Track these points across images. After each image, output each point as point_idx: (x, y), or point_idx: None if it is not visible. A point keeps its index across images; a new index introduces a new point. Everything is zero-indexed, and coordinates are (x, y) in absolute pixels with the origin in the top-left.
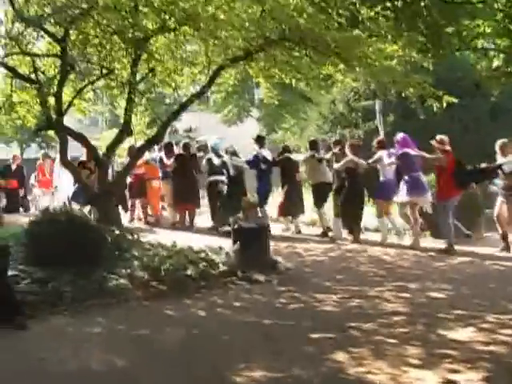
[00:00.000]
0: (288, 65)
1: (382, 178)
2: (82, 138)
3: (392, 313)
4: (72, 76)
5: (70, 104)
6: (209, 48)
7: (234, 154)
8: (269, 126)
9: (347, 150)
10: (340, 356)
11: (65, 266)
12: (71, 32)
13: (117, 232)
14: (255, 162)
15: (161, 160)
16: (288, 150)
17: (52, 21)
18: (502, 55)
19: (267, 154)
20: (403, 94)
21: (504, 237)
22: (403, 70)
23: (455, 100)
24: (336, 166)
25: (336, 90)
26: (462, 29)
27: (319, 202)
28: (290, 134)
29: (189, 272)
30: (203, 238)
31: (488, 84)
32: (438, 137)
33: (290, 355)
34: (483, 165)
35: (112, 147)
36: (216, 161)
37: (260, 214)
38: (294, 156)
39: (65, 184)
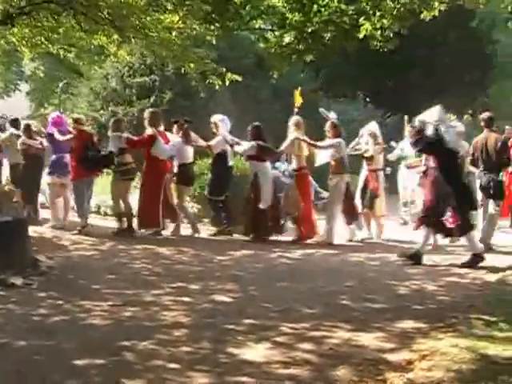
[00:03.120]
0: (55, 33)
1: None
2: None
3: (172, 325)
4: None
5: None
6: None
7: None
8: (38, 100)
9: None
10: None
11: None
12: None
13: None
14: None
15: None
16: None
17: None
18: (293, 32)
19: None
20: (183, 70)
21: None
22: (184, 43)
23: (239, 78)
24: None
25: (109, 64)
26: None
27: None
28: (63, 110)
29: None
30: None
31: (274, 62)
32: (75, 116)
33: None
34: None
35: None
36: None
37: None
38: None
39: None
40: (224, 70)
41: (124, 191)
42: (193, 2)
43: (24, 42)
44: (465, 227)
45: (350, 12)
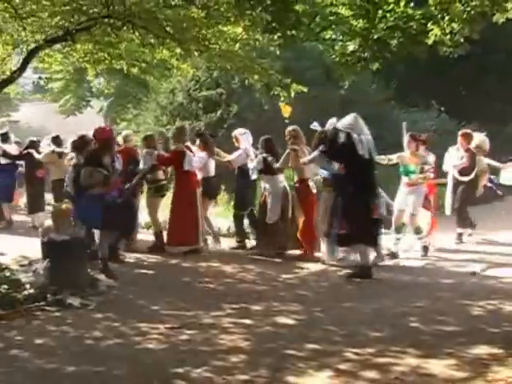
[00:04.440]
0: (116, 48)
1: None
2: None
3: (230, 350)
4: None
5: None
6: (24, 26)
7: None
8: (110, 117)
9: None
10: None
11: None
12: None
13: None
14: None
15: None
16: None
17: None
18: (357, 39)
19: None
20: (246, 82)
21: None
22: (248, 55)
23: (305, 89)
24: None
25: (175, 78)
26: (313, 11)
27: None
28: (135, 126)
29: None
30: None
31: (341, 71)
32: (124, 133)
33: None
34: None
35: None
36: None
37: (73, 224)
38: None
39: None
40: (289, 81)
41: (157, 207)
42: (253, 12)
43: (87, 58)
44: (354, 236)
45: (417, 17)
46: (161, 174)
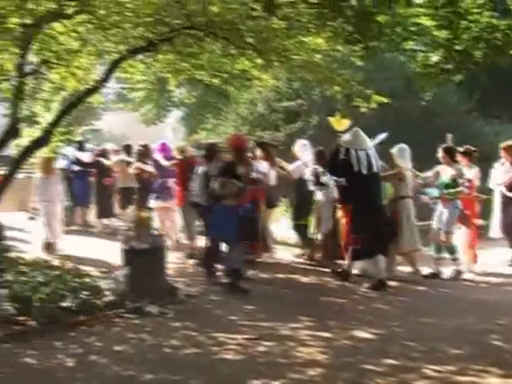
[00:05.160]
0: (197, 58)
1: None
2: None
3: (308, 363)
4: None
5: None
6: (108, 37)
7: None
8: (190, 126)
9: None
10: None
11: None
12: None
13: None
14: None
15: None
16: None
17: None
18: (440, 50)
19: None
20: (327, 93)
21: None
22: (329, 66)
23: (386, 100)
24: None
25: (256, 88)
26: (394, 21)
27: None
28: (215, 136)
29: (66, 303)
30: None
31: (422, 83)
32: (179, 145)
33: None
34: None
35: None
36: None
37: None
38: None
39: None
40: (370, 92)
41: None
42: (335, 23)
43: (169, 68)
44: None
45: (502, 27)
46: None
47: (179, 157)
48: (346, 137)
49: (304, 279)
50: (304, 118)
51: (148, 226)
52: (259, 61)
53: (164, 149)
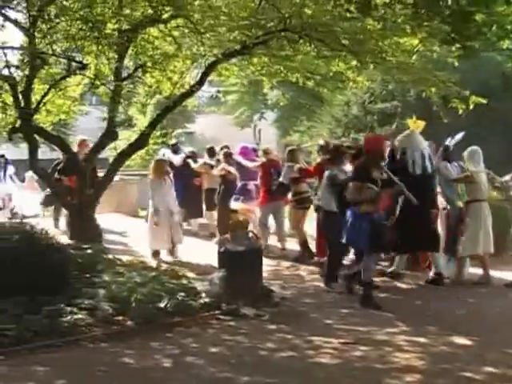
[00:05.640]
0: (292, 61)
1: None
2: (57, 140)
3: (404, 368)
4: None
5: (40, 103)
6: (203, 41)
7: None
8: (283, 128)
9: None
10: None
11: (18, 296)
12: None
13: (90, 251)
14: None
15: None
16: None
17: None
18: None
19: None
20: (423, 95)
21: None
22: (424, 66)
23: (484, 101)
24: None
25: (350, 90)
26: (491, 20)
27: None
28: (308, 138)
29: (162, 304)
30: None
31: None
32: (264, 147)
33: None
34: None
35: (93, 153)
36: None
37: (251, 235)
38: None
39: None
40: (468, 93)
41: (300, 219)
42: (432, 23)
43: (263, 71)
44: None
45: None
46: (304, 187)
47: (263, 159)
48: (400, 138)
49: (401, 284)
50: (399, 120)
51: (244, 229)
52: (354, 62)
53: (244, 152)
